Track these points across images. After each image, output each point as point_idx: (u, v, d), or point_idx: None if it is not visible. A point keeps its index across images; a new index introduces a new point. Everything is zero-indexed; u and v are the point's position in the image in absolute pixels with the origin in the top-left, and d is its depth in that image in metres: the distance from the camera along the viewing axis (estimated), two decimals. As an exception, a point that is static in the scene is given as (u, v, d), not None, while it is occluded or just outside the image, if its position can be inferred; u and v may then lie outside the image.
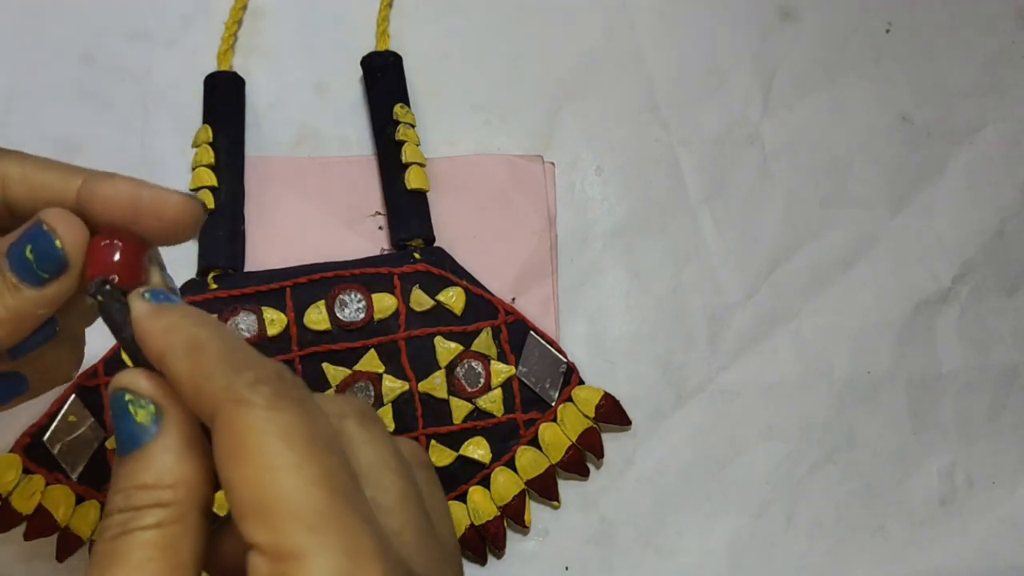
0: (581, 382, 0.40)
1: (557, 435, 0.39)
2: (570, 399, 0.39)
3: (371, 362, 0.38)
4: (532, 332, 0.40)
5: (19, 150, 0.25)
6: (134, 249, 0.23)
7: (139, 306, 0.21)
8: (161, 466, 0.20)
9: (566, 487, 0.40)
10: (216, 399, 0.19)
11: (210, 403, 0.19)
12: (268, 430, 0.18)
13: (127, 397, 0.21)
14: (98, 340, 0.29)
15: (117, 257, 0.23)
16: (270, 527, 0.18)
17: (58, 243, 0.22)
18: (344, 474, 0.19)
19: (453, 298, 0.39)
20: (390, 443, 0.22)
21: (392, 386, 0.38)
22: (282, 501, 0.18)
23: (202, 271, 0.39)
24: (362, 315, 0.39)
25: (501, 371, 0.39)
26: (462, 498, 0.38)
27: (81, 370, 0.36)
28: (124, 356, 0.26)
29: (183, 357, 0.20)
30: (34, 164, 0.24)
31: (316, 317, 0.38)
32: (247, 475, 0.18)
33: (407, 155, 0.41)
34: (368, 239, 0.42)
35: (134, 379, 0.21)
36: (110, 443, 0.36)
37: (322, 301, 0.39)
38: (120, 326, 0.22)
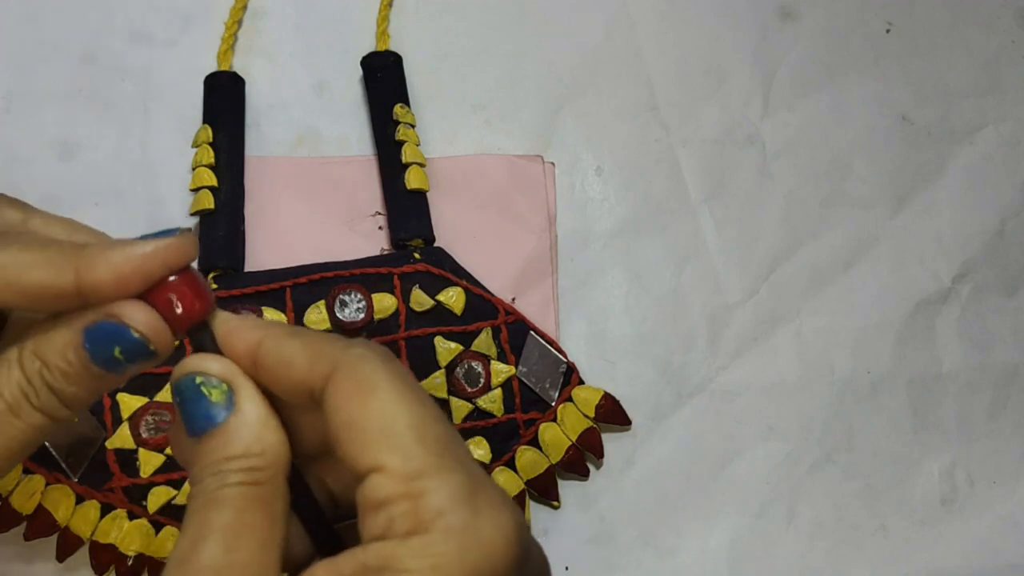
0: (581, 382, 0.40)
1: (557, 435, 0.39)
2: (570, 399, 0.39)
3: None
4: (532, 332, 0.40)
5: (13, 238, 0.23)
6: (193, 280, 0.23)
7: (223, 323, 0.23)
8: (247, 436, 0.22)
9: (566, 487, 0.40)
10: (335, 357, 0.21)
11: (329, 362, 0.21)
12: (392, 376, 0.21)
13: (198, 380, 0.22)
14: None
15: (191, 300, 0.23)
16: (401, 450, 0.20)
17: (151, 347, 0.23)
18: (453, 429, 0.22)
19: (453, 298, 0.39)
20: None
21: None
22: (413, 428, 0.20)
23: (202, 271, 0.39)
24: (362, 315, 0.39)
25: (501, 371, 0.39)
26: (462, 498, 0.38)
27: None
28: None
29: (289, 335, 0.22)
30: (25, 262, 0.22)
31: (316, 317, 0.38)
32: (376, 408, 0.21)
33: (407, 155, 0.41)
34: (368, 239, 0.42)
35: (203, 363, 0.23)
36: (111, 443, 0.36)
37: (322, 301, 0.39)
38: (209, 347, 0.23)
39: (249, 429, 0.22)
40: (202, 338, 0.23)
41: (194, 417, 0.22)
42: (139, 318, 0.22)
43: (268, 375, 0.23)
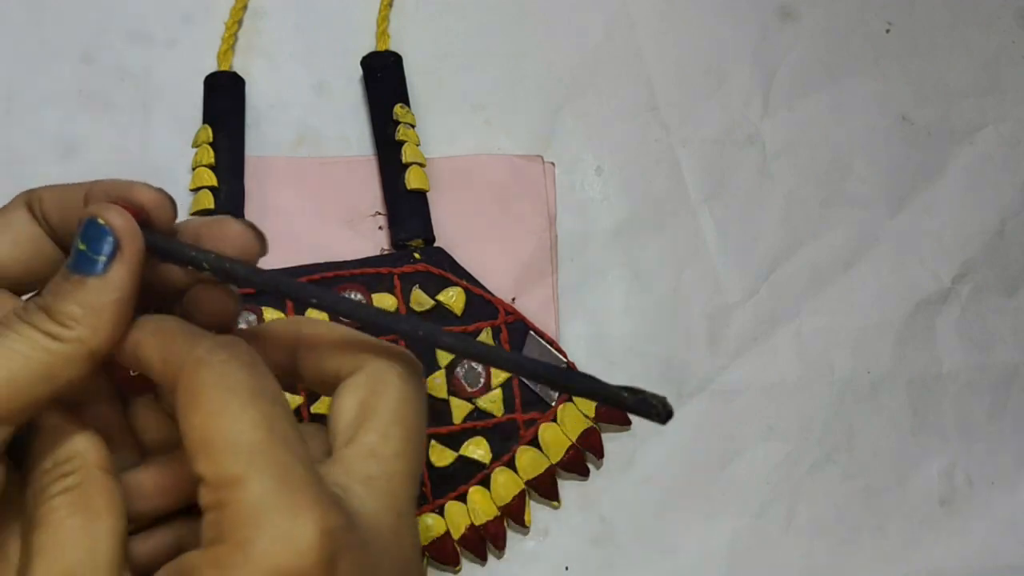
0: (581, 382, 0.40)
1: (557, 435, 0.39)
2: (570, 399, 0.39)
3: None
4: (532, 332, 0.40)
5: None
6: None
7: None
8: (53, 450, 0.23)
9: (566, 487, 0.40)
10: (180, 361, 0.22)
11: (175, 367, 0.22)
12: (219, 384, 0.21)
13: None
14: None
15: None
16: (213, 460, 0.20)
17: (101, 221, 0.23)
18: (284, 422, 0.21)
19: (453, 298, 0.39)
20: (416, 403, 0.24)
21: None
22: (223, 438, 0.21)
23: (202, 271, 0.39)
24: (362, 315, 0.39)
25: (501, 371, 0.39)
26: (462, 498, 0.38)
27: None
28: None
29: (151, 334, 0.23)
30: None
31: (316, 317, 0.38)
32: (198, 421, 0.21)
33: (407, 155, 0.41)
34: (368, 239, 0.42)
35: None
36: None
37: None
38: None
39: (50, 439, 0.23)
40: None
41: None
42: (100, 208, 0.23)
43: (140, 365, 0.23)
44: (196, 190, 0.41)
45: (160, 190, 0.24)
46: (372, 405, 0.23)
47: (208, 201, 0.40)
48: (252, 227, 0.25)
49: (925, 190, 0.46)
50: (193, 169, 0.41)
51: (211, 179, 0.40)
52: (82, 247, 0.23)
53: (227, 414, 0.21)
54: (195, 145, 0.42)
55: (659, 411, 0.23)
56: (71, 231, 0.24)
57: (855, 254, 0.45)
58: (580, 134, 0.45)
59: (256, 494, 0.20)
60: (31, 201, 0.26)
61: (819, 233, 0.45)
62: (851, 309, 0.44)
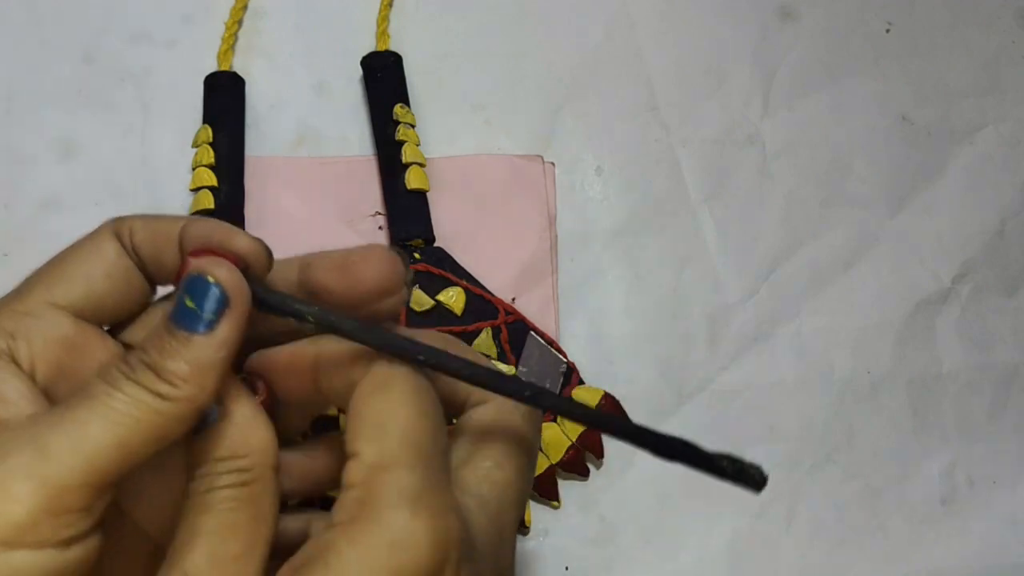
0: (581, 382, 0.40)
1: (557, 435, 0.39)
2: (570, 399, 0.39)
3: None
4: (532, 332, 0.40)
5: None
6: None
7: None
8: (235, 439, 0.23)
9: (566, 487, 0.40)
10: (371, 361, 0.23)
11: (365, 362, 0.23)
12: (406, 383, 0.23)
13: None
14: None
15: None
16: (378, 441, 0.22)
17: (210, 278, 0.23)
18: (444, 434, 0.23)
19: (453, 298, 0.39)
20: (532, 444, 0.26)
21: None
22: (396, 425, 0.22)
23: (202, 271, 0.39)
24: (362, 315, 0.39)
25: (501, 371, 0.39)
26: (462, 498, 0.38)
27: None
28: None
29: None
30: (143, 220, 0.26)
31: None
32: (379, 405, 0.22)
33: (407, 155, 0.41)
34: (368, 239, 0.42)
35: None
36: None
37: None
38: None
39: (237, 431, 0.23)
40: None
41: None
42: (205, 262, 0.23)
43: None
44: (196, 190, 0.41)
45: (258, 240, 0.24)
46: (493, 434, 0.25)
47: (208, 201, 0.40)
48: (396, 255, 0.25)
49: (925, 190, 0.46)
50: (193, 169, 0.41)
51: (211, 179, 0.40)
52: (189, 304, 0.22)
53: (407, 407, 0.22)
54: (195, 145, 0.42)
55: (756, 480, 0.24)
56: (161, 265, 0.24)
57: (855, 254, 0.45)
58: (580, 134, 0.45)
59: (406, 483, 0.21)
60: (120, 232, 0.25)
61: (819, 233, 0.45)
62: (851, 309, 0.44)
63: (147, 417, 0.21)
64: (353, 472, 0.22)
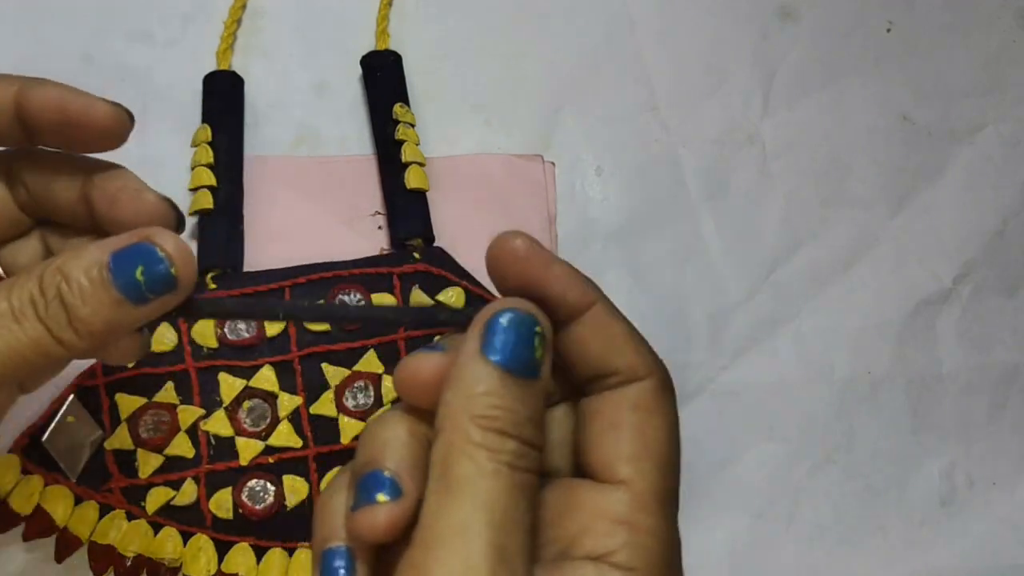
0: (581, 382, 0.40)
1: (557, 435, 0.39)
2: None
3: (371, 362, 0.38)
4: (532, 332, 0.40)
5: None
6: None
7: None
8: (539, 409, 0.21)
9: (566, 487, 0.40)
10: (651, 364, 0.23)
11: (647, 364, 0.23)
12: (671, 401, 0.23)
13: (538, 328, 0.21)
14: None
15: None
16: (653, 476, 0.22)
17: (173, 270, 0.22)
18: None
19: (453, 298, 0.39)
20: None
21: (392, 387, 0.38)
22: (667, 467, 0.22)
23: (201, 271, 0.39)
24: (362, 315, 0.39)
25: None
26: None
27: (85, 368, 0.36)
28: None
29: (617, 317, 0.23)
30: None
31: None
32: (656, 435, 0.22)
33: (407, 155, 0.41)
34: (368, 239, 0.42)
35: (544, 318, 0.22)
36: (109, 443, 0.36)
37: (322, 301, 0.39)
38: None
39: (542, 402, 0.21)
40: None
41: (518, 356, 0.21)
42: (171, 242, 0.23)
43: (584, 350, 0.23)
44: (195, 189, 0.40)
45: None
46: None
47: (207, 200, 0.40)
48: (119, 108, 0.26)
49: (925, 190, 0.46)
50: (192, 168, 0.41)
51: (210, 178, 0.40)
52: (139, 277, 0.22)
53: (672, 442, 0.23)
54: (194, 144, 0.42)
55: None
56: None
57: (855, 254, 0.45)
58: (580, 134, 0.45)
59: (664, 534, 0.22)
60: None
61: (819, 233, 0.45)
62: (851, 309, 0.44)
63: (32, 349, 0.22)
64: (627, 505, 0.21)
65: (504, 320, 0.21)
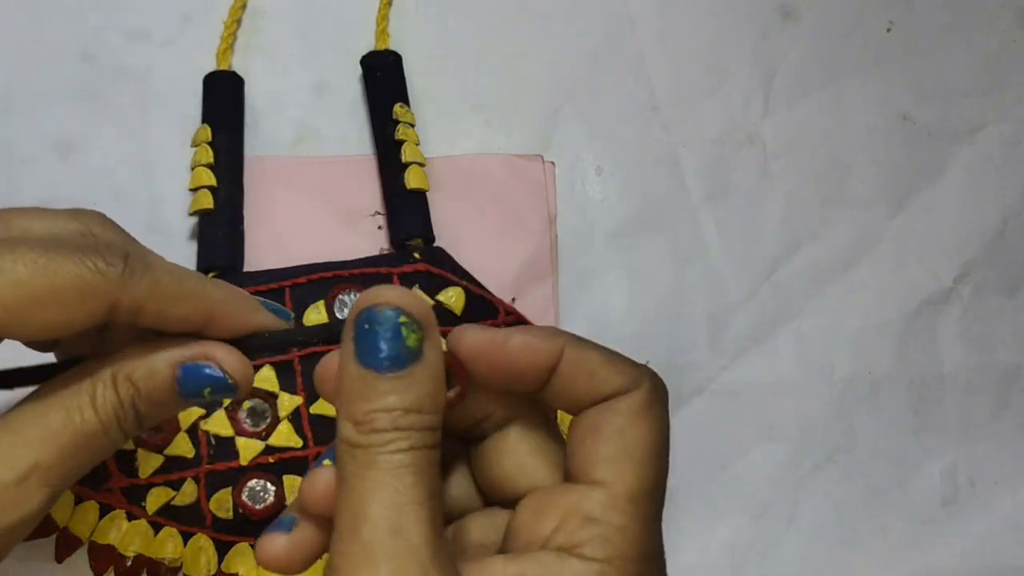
0: (581, 382, 0.40)
1: (557, 435, 0.39)
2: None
3: (371, 362, 0.38)
4: (532, 332, 0.40)
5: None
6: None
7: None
8: (426, 391, 0.21)
9: (566, 487, 0.40)
10: (636, 377, 0.23)
11: (631, 378, 0.23)
12: (665, 419, 0.23)
13: (401, 319, 0.21)
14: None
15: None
16: (635, 478, 0.22)
17: (231, 380, 0.25)
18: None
19: (453, 298, 0.39)
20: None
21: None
22: (655, 471, 0.23)
23: (201, 271, 0.39)
24: (362, 315, 0.39)
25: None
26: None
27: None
28: None
29: (588, 347, 0.24)
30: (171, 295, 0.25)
31: (316, 317, 0.38)
32: (644, 437, 0.23)
33: (407, 155, 0.41)
34: (368, 239, 0.41)
35: (411, 301, 0.22)
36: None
37: (322, 301, 0.39)
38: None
39: (428, 384, 0.22)
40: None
41: (383, 352, 0.21)
42: (231, 362, 0.25)
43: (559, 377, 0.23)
44: (195, 190, 0.40)
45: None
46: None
47: (207, 201, 0.40)
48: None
49: (925, 190, 0.46)
50: (192, 168, 0.41)
51: (210, 179, 0.40)
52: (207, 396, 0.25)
53: (662, 446, 0.23)
54: (194, 144, 0.42)
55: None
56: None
57: (855, 254, 0.45)
58: (580, 134, 0.45)
59: (643, 535, 0.22)
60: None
61: (819, 233, 0.45)
62: (851, 309, 0.44)
63: (110, 451, 0.25)
64: (600, 504, 0.22)
65: (364, 322, 0.21)
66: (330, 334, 0.26)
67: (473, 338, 0.23)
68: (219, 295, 0.25)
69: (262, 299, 0.27)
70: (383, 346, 0.21)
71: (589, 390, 0.23)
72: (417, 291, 0.23)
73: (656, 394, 0.23)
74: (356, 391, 0.21)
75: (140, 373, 0.24)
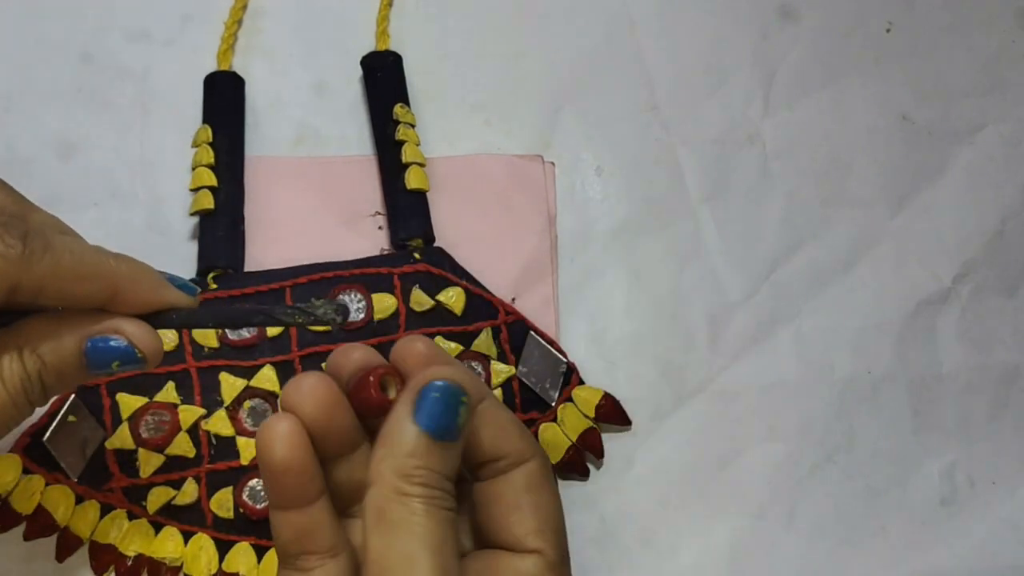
0: (581, 382, 0.40)
1: (557, 435, 0.39)
2: (570, 399, 0.39)
3: (371, 362, 0.38)
4: (532, 332, 0.40)
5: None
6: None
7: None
8: (458, 463, 0.25)
9: (566, 487, 0.40)
10: (532, 448, 0.27)
11: (530, 449, 0.27)
12: (551, 475, 0.27)
13: (463, 399, 0.24)
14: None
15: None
16: (555, 547, 0.26)
17: (139, 354, 0.26)
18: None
19: (453, 298, 0.39)
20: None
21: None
22: (562, 540, 0.27)
23: (201, 271, 0.39)
24: (362, 315, 0.39)
25: (501, 371, 0.39)
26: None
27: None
28: None
29: (502, 409, 0.27)
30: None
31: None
32: (550, 503, 0.27)
33: (407, 155, 0.41)
34: (368, 239, 0.42)
35: (472, 384, 0.25)
36: (110, 443, 0.36)
37: (321, 300, 0.39)
38: None
39: (456, 459, 0.25)
40: None
41: (440, 421, 0.24)
42: (139, 335, 0.25)
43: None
44: (196, 190, 0.40)
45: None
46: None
47: (208, 201, 0.40)
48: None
49: (925, 190, 0.46)
50: (193, 169, 0.41)
51: (211, 179, 0.40)
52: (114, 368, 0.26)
53: (556, 505, 0.27)
54: (195, 145, 0.42)
55: (329, 319, 0.26)
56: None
57: (855, 254, 0.45)
58: (580, 134, 0.45)
59: None
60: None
61: (819, 233, 0.45)
62: (851, 309, 0.44)
63: (16, 420, 0.27)
64: (535, 568, 0.25)
65: (435, 392, 0.24)
66: (267, 319, 0.27)
67: (420, 348, 0.26)
68: (123, 271, 0.26)
69: (168, 274, 0.27)
70: (444, 419, 0.24)
71: (495, 443, 0.26)
72: (471, 367, 0.27)
73: (548, 462, 0.27)
74: (409, 447, 0.24)
75: (47, 347, 0.25)
